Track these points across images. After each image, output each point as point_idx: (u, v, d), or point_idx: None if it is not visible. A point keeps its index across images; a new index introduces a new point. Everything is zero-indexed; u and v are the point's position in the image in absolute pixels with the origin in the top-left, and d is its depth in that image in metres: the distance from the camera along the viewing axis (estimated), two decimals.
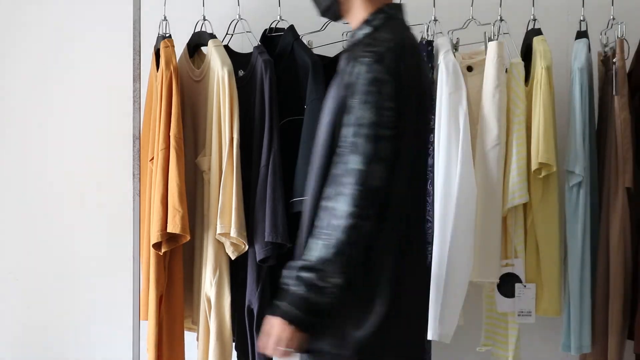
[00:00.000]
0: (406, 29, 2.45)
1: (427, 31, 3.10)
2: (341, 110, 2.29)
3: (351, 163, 2.20)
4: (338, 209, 2.19)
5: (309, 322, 2.18)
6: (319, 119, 2.38)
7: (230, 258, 3.07)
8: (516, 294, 3.02)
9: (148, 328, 3.08)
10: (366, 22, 2.41)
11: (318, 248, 2.18)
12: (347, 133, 2.24)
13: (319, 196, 2.26)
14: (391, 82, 2.27)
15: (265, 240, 2.97)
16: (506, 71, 3.04)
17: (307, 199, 2.36)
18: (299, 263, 2.19)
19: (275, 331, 2.19)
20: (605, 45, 3.14)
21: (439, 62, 3.02)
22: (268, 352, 2.21)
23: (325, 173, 2.28)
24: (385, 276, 2.25)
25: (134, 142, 3.07)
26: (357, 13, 2.43)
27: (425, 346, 2.63)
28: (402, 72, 2.30)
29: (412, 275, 2.32)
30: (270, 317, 2.20)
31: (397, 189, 2.26)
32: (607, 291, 3.01)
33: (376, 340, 2.23)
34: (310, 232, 2.25)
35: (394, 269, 2.26)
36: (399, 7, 2.46)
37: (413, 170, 2.33)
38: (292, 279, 2.18)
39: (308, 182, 2.37)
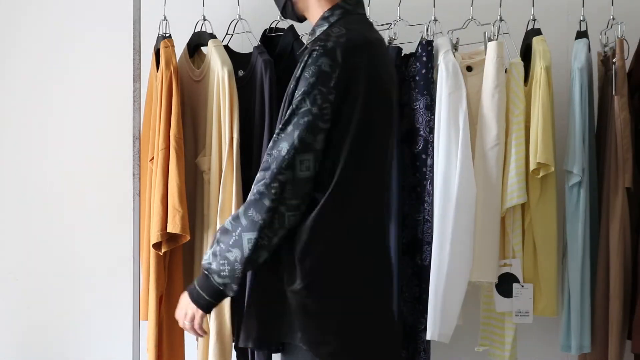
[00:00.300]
0: (365, 23, 2.48)
1: (427, 31, 3.10)
2: (286, 101, 2.32)
3: (282, 150, 2.26)
4: (262, 193, 2.25)
5: (208, 302, 2.36)
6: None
7: None
8: (514, 294, 3.02)
9: (148, 328, 3.08)
10: (323, 18, 2.43)
11: (236, 232, 2.27)
12: (281, 121, 2.29)
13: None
14: (335, 75, 2.28)
15: None
16: (506, 71, 3.04)
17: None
18: (215, 244, 2.31)
19: (182, 305, 2.40)
20: (605, 45, 3.14)
21: (438, 62, 3.02)
22: (180, 323, 2.42)
23: None
24: (317, 263, 2.29)
25: (134, 142, 3.07)
26: (314, 10, 2.45)
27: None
28: (352, 66, 2.31)
29: (366, 269, 2.36)
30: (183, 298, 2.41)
31: (341, 179, 2.29)
32: (606, 291, 3.01)
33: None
34: None
35: (333, 259, 2.31)
36: (357, 2, 2.48)
37: (368, 163, 2.35)
38: (208, 258, 2.33)
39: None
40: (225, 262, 2.28)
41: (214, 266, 2.31)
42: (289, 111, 2.29)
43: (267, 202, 2.25)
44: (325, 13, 2.43)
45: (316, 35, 2.41)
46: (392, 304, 2.49)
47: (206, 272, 2.33)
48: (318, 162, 2.28)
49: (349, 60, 2.31)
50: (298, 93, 2.28)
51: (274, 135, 2.29)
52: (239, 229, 2.27)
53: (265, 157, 2.29)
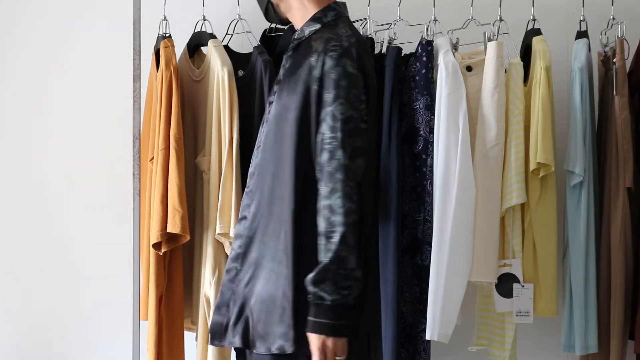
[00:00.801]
0: (352, 24, 2.53)
1: (427, 31, 3.10)
2: (307, 104, 2.31)
3: (341, 159, 2.27)
4: (336, 205, 2.26)
5: (345, 325, 2.30)
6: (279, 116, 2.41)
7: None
8: (514, 295, 3.01)
9: (148, 328, 3.08)
10: (315, 18, 2.44)
11: (331, 249, 2.26)
12: (327, 129, 2.28)
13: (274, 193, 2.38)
14: (360, 76, 2.31)
15: None
16: (505, 71, 3.04)
17: (258, 194, 2.43)
18: (315, 273, 2.28)
19: (328, 349, 2.30)
20: (605, 45, 3.14)
21: (438, 62, 3.02)
22: None
23: (298, 169, 2.34)
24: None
25: (134, 142, 3.07)
26: (298, 12, 2.47)
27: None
28: (364, 65, 2.36)
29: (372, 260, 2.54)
30: (315, 336, 2.29)
31: (366, 181, 2.38)
32: (608, 291, 3.01)
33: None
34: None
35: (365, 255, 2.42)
36: (344, 5, 2.51)
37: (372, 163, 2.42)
38: (316, 291, 2.27)
39: (261, 178, 2.41)
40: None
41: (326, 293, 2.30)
42: (330, 117, 2.30)
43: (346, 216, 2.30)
44: (317, 14, 2.45)
45: (304, 36, 2.42)
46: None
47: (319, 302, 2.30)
48: (366, 163, 2.34)
49: (361, 59, 2.38)
50: (331, 96, 2.31)
51: (324, 144, 2.30)
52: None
53: (320, 168, 2.30)
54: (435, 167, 2.97)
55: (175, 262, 3.13)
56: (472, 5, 3.16)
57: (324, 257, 2.28)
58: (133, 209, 3.07)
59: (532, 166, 2.97)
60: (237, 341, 2.44)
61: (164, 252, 3.05)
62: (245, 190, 2.54)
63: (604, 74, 3.12)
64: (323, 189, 2.29)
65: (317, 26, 2.43)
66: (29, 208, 3.63)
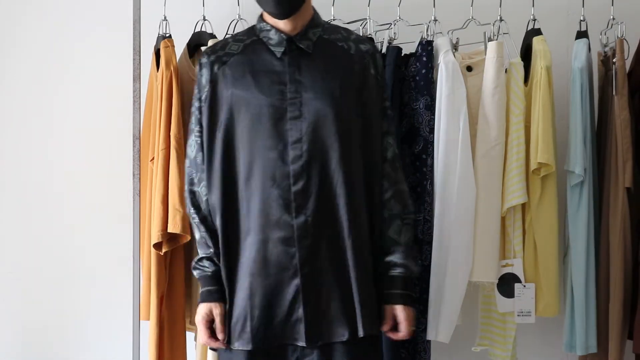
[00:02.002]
0: None
1: (427, 31, 3.10)
2: (355, 95, 2.41)
3: (396, 148, 2.51)
4: (406, 191, 2.50)
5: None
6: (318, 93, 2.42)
7: None
8: (516, 294, 3.01)
9: (149, 328, 3.07)
10: (316, 13, 2.48)
11: (410, 229, 2.47)
12: (390, 122, 2.50)
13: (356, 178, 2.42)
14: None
15: None
16: (505, 71, 3.04)
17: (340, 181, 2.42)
18: (401, 249, 2.46)
19: (412, 317, 2.48)
20: (605, 45, 3.14)
21: (438, 62, 3.02)
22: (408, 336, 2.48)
23: (356, 154, 2.43)
24: None
25: (134, 142, 3.07)
26: (309, 6, 2.48)
27: None
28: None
29: None
30: (403, 307, 2.45)
31: None
32: (607, 291, 3.01)
33: None
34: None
35: None
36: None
37: None
38: (402, 265, 2.45)
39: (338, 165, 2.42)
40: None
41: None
42: (389, 112, 2.49)
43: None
44: (313, 8, 2.49)
45: (326, 27, 2.47)
46: None
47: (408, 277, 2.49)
48: None
49: None
50: (384, 94, 2.48)
51: (389, 138, 2.49)
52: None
53: (393, 157, 2.49)
54: (436, 167, 2.98)
55: (177, 262, 3.13)
56: (472, 5, 3.16)
57: (404, 237, 2.47)
58: (133, 209, 3.07)
59: (532, 166, 2.98)
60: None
61: (165, 252, 3.05)
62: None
63: (604, 74, 3.12)
64: (398, 175, 2.49)
65: (322, 20, 2.49)
66: (29, 208, 3.63)
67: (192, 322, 3.19)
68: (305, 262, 2.37)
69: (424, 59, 3.03)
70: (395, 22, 3.15)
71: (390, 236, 2.47)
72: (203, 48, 3.24)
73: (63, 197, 3.62)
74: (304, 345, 2.39)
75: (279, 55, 2.41)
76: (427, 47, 3.05)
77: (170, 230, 3.00)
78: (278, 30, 2.43)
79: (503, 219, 3.03)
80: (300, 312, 2.38)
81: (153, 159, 3.12)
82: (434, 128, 3.00)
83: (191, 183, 2.51)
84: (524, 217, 3.05)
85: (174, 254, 3.11)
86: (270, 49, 2.43)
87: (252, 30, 2.51)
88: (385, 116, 2.50)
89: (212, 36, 3.19)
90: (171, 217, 3.00)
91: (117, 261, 3.52)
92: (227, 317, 2.46)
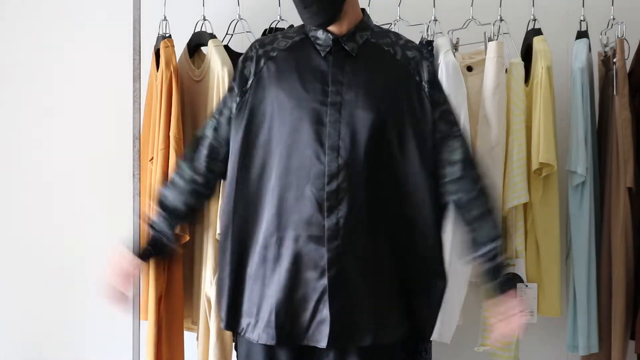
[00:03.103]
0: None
1: (427, 31, 3.10)
2: (395, 101, 2.39)
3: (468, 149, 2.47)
4: (488, 186, 2.46)
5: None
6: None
7: None
8: (518, 294, 3.01)
9: (147, 328, 3.08)
10: (367, 16, 2.45)
11: (499, 221, 2.44)
12: (456, 128, 2.46)
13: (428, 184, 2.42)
14: None
15: None
16: (506, 71, 3.04)
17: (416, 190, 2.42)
18: (498, 242, 2.42)
19: (520, 303, 2.42)
20: (606, 45, 3.15)
21: (439, 62, 3.02)
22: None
23: (426, 157, 2.41)
24: None
25: (134, 142, 3.07)
26: (356, 6, 2.45)
27: None
28: None
29: None
30: (509, 295, 2.42)
31: None
32: (609, 291, 3.02)
33: None
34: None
35: None
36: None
37: None
38: (499, 255, 2.41)
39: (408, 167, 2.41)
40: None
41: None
42: (450, 117, 2.45)
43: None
44: (363, 11, 2.46)
45: (375, 31, 2.46)
46: None
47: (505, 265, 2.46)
48: None
49: None
50: (439, 99, 2.45)
51: (452, 141, 2.44)
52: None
53: (470, 155, 2.45)
54: None
55: (175, 262, 3.12)
56: (472, 5, 3.16)
57: (498, 230, 2.44)
58: (133, 209, 3.07)
59: (534, 166, 2.98)
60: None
61: None
62: None
63: (604, 74, 3.12)
64: (479, 171, 2.45)
65: (372, 23, 2.48)
66: (29, 208, 3.62)
67: (194, 322, 3.20)
68: (333, 263, 2.35)
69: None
70: (395, 22, 3.16)
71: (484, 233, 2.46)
72: (203, 48, 3.25)
73: (63, 197, 3.61)
74: (324, 347, 2.36)
75: (323, 54, 2.40)
76: (427, 47, 3.05)
77: None
78: (325, 30, 2.42)
79: (505, 219, 3.03)
80: (325, 313, 2.35)
81: (152, 158, 3.12)
82: None
83: (197, 147, 2.50)
84: (526, 217, 3.05)
85: None
86: (316, 48, 2.42)
87: (302, 28, 2.49)
88: (443, 120, 2.45)
89: (212, 36, 3.19)
90: None
91: None
92: (234, 303, 2.46)
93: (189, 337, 3.23)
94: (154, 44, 3.23)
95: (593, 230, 3.02)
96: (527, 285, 3.02)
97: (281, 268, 2.37)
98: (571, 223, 3.04)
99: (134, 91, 3.05)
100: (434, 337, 2.92)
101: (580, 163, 2.98)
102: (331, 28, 2.40)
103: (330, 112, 2.36)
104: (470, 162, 2.42)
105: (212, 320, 3.06)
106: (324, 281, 2.35)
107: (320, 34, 2.41)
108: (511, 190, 2.98)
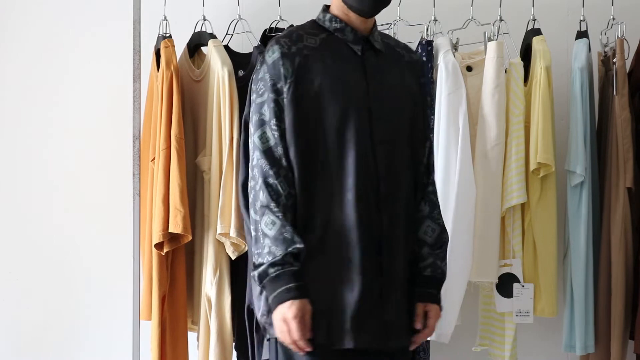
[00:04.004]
0: None
1: (427, 31, 3.10)
2: (416, 105, 2.40)
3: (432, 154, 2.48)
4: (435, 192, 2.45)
5: None
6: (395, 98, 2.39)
7: (230, 258, 3.07)
8: (514, 294, 3.02)
9: (151, 328, 3.07)
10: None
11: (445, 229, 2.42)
12: (428, 130, 2.47)
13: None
14: None
15: None
16: (505, 71, 3.04)
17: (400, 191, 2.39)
18: (438, 252, 2.40)
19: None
20: (605, 45, 3.15)
21: (438, 62, 3.03)
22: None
23: (413, 165, 2.40)
24: None
25: (134, 142, 3.07)
26: None
27: None
28: None
29: None
30: (435, 306, 2.38)
31: None
32: (608, 291, 3.02)
33: None
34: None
35: None
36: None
37: None
38: (441, 265, 2.39)
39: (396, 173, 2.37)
40: None
41: None
42: (432, 118, 2.58)
43: None
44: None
45: (379, 31, 2.44)
46: None
47: None
48: None
49: None
50: (431, 102, 2.52)
51: (428, 143, 2.44)
52: None
53: (430, 163, 2.44)
54: (436, 167, 2.97)
55: (178, 262, 3.13)
56: (472, 5, 3.16)
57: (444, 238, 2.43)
58: (133, 209, 3.07)
59: (532, 166, 2.98)
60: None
61: (167, 252, 3.05)
62: None
63: (604, 74, 3.12)
64: (432, 178, 2.44)
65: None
66: (29, 208, 3.63)
67: (195, 322, 3.20)
68: (385, 263, 2.32)
69: (424, 59, 3.04)
70: (395, 22, 3.16)
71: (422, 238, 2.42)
72: (203, 48, 3.25)
73: (63, 197, 3.61)
74: (378, 347, 2.31)
75: (359, 52, 2.38)
76: (427, 47, 3.05)
77: (171, 230, 3.00)
78: (353, 28, 2.39)
79: (502, 219, 3.03)
80: (382, 313, 2.31)
81: (154, 159, 3.12)
82: (434, 128, 3.00)
83: (265, 176, 2.32)
84: (524, 217, 3.05)
85: (175, 254, 3.11)
86: (349, 45, 2.39)
87: (316, 24, 2.44)
88: (426, 122, 2.46)
89: (212, 36, 3.19)
90: (172, 217, 3.00)
91: (117, 261, 3.51)
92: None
93: (189, 337, 3.23)
94: (154, 44, 3.23)
95: (591, 230, 3.02)
96: (523, 286, 3.02)
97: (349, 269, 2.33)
98: (569, 223, 3.04)
99: (134, 91, 3.06)
100: (432, 337, 2.93)
101: (580, 163, 2.98)
102: (359, 25, 2.36)
103: (374, 109, 2.32)
104: (429, 168, 2.42)
105: (212, 320, 3.07)
106: (379, 282, 2.31)
107: (348, 31, 2.37)
108: (509, 190, 2.99)
